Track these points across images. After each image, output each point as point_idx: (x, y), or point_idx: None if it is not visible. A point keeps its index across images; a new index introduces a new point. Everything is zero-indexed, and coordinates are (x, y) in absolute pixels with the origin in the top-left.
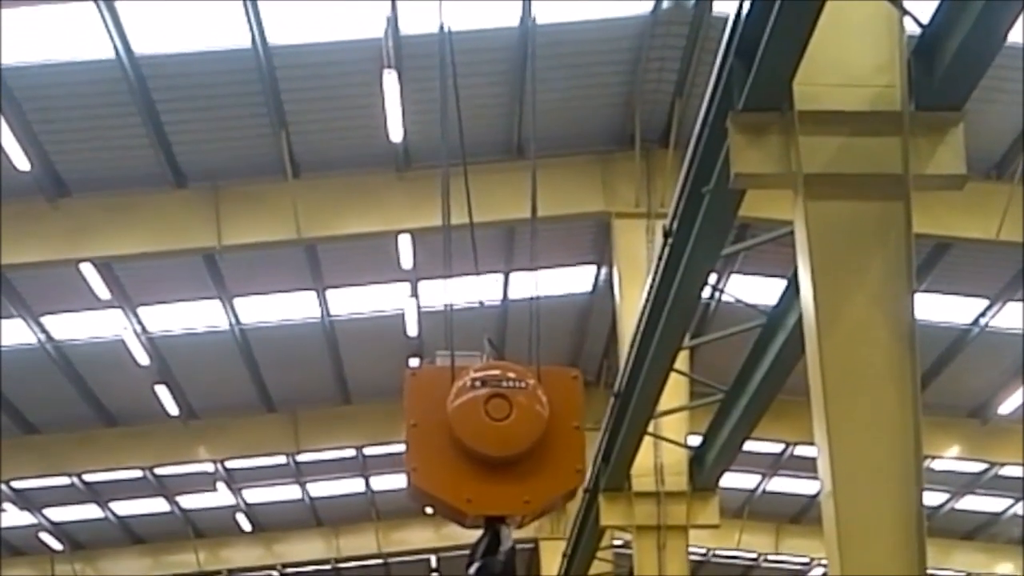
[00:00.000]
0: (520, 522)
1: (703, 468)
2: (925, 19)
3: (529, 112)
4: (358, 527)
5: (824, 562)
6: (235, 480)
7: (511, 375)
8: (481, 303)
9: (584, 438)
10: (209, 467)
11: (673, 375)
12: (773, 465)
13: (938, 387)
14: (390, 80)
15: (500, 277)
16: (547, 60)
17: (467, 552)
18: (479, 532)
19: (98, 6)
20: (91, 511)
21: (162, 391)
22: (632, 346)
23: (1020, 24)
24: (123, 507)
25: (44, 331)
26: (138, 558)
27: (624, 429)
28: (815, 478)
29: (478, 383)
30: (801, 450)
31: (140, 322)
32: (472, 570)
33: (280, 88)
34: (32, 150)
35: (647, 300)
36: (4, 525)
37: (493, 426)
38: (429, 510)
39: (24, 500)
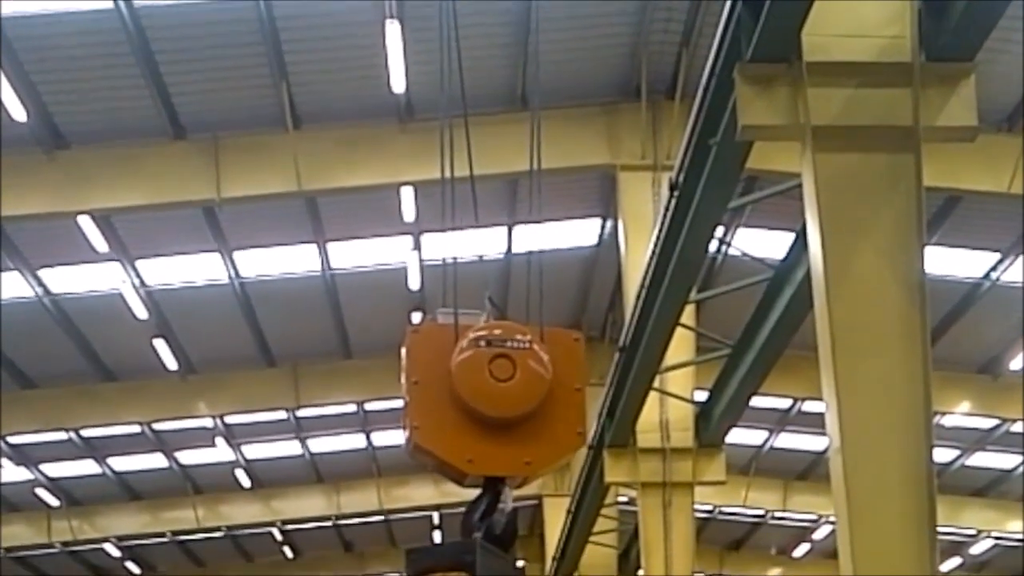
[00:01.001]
0: (520, 483)
1: (709, 424)
2: None
3: (533, 62)
4: (359, 483)
5: (832, 519)
6: (234, 435)
7: (515, 335)
8: (480, 257)
9: (585, 401)
10: (208, 422)
11: (679, 330)
12: (780, 421)
13: (948, 342)
14: (392, 30)
15: (503, 230)
16: (552, 9)
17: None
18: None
19: None
20: (88, 467)
21: (160, 345)
22: (637, 300)
23: None
24: (121, 463)
25: (41, 284)
26: (136, 514)
27: (629, 384)
28: (823, 434)
29: (483, 342)
30: (809, 406)
31: (138, 275)
32: (477, 532)
33: (281, 38)
34: (30, 101)
35: (653, 253)
36: (1, 481)
37: (497, 386)
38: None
39: (20, 455)
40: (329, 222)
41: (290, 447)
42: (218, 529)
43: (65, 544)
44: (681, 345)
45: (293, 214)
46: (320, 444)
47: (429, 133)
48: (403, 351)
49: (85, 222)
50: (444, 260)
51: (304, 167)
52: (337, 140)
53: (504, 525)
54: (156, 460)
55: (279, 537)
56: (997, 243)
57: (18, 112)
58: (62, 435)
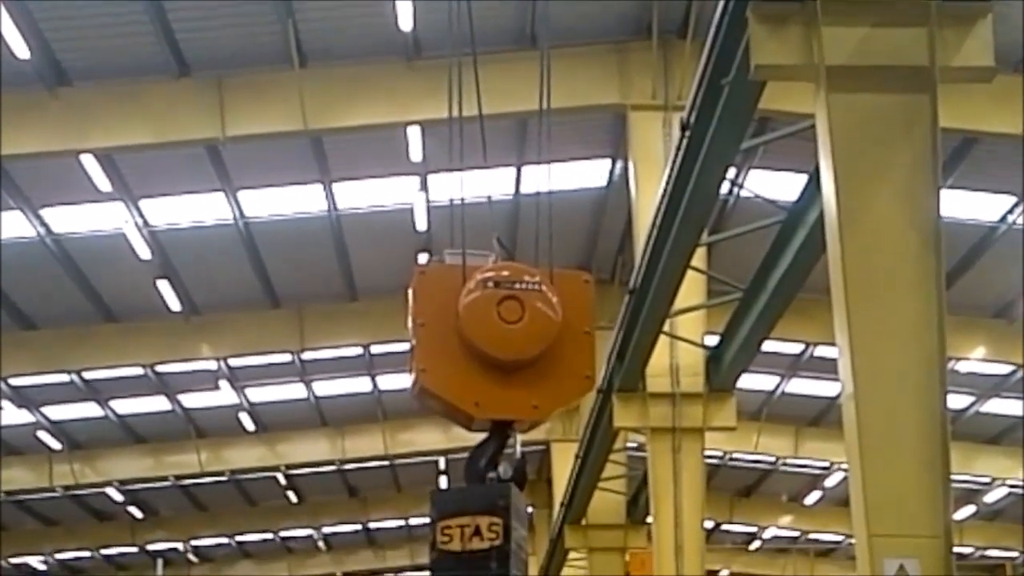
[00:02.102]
0: (527, 428)
1: (720, 369)
2: None
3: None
4: (364, 428)
5: (844, 466)
6: (238, 378)
7: (524, 277)
8: (488, 199)
9: (595, 344)
10: (211, 365)
11: (690, 273)
12: (792, 366)
13: (963, 286)
14: None
15: (512, 171)
16: None
17: None
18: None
19: None
20: (90, 409)
21: (164, 286)
22: (648, 242)
23: None
24: (123, 405)
25: (43, 224)
26: (138, 458)
27: (639, 328)
28: (836, 380)
29: (491, 284)
30: (821, 350)
31: (142, 215)
32: (487, 477)
33: None
34: (32, 37)
35: (663, 195)
36: (1, 423)
37: (505, 328)
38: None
39: (22, 398)
40: (335, 162)
41: (294, 390)
42: (221, 473)
43: (66, 488)
44: (692, 288)
45: (298, 153)
46: (325, 387)
47: (436, 71)
48: (409, 292)
49: (88, 160)
50: (452, 201)
51: (310, 105)
52: (343, 78)
53: (514, 470)
54: (159, 403)
55: (283, 482)
56: (1014, 186)
57: (20, 49)
58: (64, 377)
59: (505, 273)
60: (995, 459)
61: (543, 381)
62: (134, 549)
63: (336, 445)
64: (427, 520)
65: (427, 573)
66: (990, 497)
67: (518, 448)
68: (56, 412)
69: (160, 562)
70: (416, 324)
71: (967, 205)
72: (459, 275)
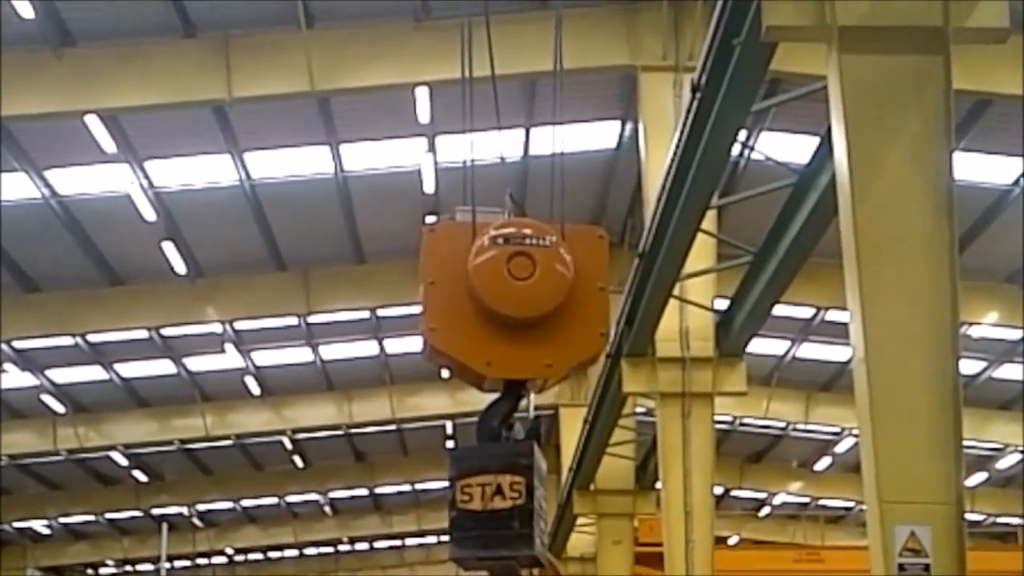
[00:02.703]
0: (541, 387)
1: (730, 333)
2: None
3: None
4: (371, 392)
5: (855, 432)
6: (244, 342)
7: (535, 233)
8: (501, 159)
9: (608, 300)
10: (217, 328)
11: (700, 236)
12: (803, 330)
13: (976, 250)
14: None
15: (521, 132)
16: None
17: None
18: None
19: None
20: (95, 372)
21: (169, 248)
22: (658, 205)
23: None
24: (128, 369)
25: (48, 185)
26: (143, 421)
27: (648, 291)
28: (847, 344)
29: (500, 240)
30: (833, 315)
31: (147, 177)
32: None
33: None
34: None
35: (674, 157)
36: (5, 386)
37: (516, 286)
38: (445, 374)
39: (26, 361)
40: (342, 123)
41: (301, 354)
42: (227, 437)
43: (71, 452)
44: (702, 252)
45: (305, 115)
46: (331, 351)
47: (445, 32)
48: (419, 251)
49: (92, 122)
50: (464, 163)
51: (317, 66)
52: (351, 39)
53: (528, 430)
54: (164, 366)
55: (289, 446)
56: None
57: (25, 9)
58: (68, 340)
59: (516, 229)
60: (1007, 425)
61: (556, 339)
62: (138, 513)
63: (343, 409)
64: (439, 483)
65: (436, 537)
66: (1002, 464)
67: (531, 409)
68: (60, 375)
69: (165, 527)
70: (426, 282)
71: (980, 168)
72: (469, 232)
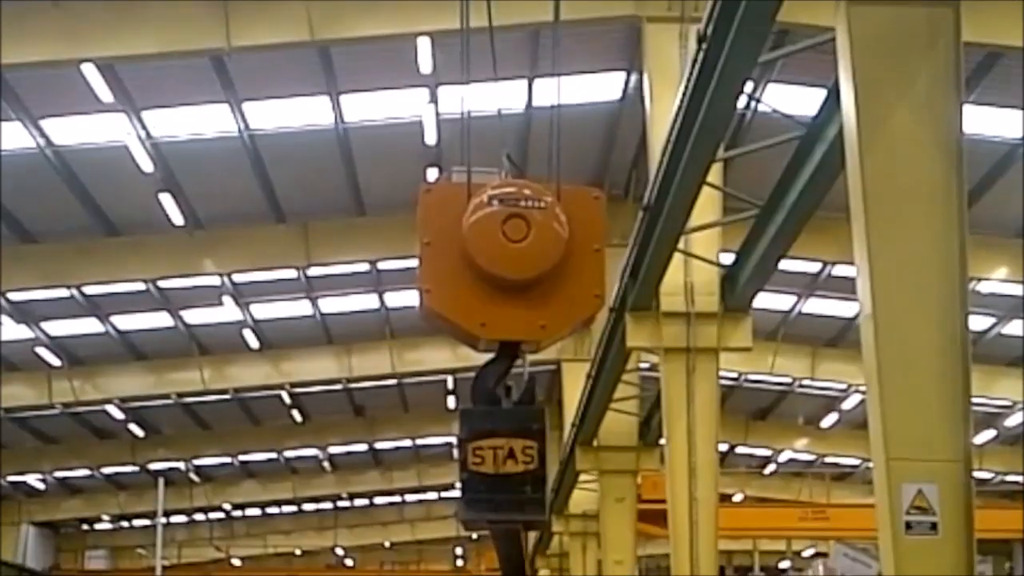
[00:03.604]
0: (536, 348)
1: (736, 288)
2: None
3: None
4: (371, 346)
5: (862, 388)
6: (242, 294)
7: (530, 193)
8: (499, 112)
9: (605, 262)
10: (215, 280)
11: (705, 189)
12: (810, 285)
13: (985, 205)
14: None
15: (524, 84)
16: None
17: None
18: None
19: None
20: (91, 325)
21: (167, 200)
22: (663, 157)
23: None
24: (124, 321)
25: (43, 135)
26: (139, 375)
27: (653, 245)
28: (854, 299)
29: (495, 201)
30: (840, 269)
31: (144, 127)
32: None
33: None
34: None
35: (679, 109)
36: (0, 339)
37: (510, 247)
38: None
39: (21, 313)
40: (342, 73)
41: (300, 307)
42: (225, 392)
43: (66, 405)
44: (707, 205)
45: (305, 64)
46: (331, 304)
47: None
48: (416, 212)
49: (89, 71)
50: (462, 114)
51: (317, 15)
52: None
53: (524, 392)
54: (161, 319)
55: (287, 400)
56: None
57: None
58: (64, 292)
59: (510, 190)
60: (1016, 382)
61: (551, 300)
62: (135, 468)
63: (342, 363)
64: (440, 438)
65: (437, 493)
66: (1011, 421)
67: (526, 369)
68: (56, 328)
69: (161, 481)
70: (421, 243)
71: (990, 121)
72: (465, 193)
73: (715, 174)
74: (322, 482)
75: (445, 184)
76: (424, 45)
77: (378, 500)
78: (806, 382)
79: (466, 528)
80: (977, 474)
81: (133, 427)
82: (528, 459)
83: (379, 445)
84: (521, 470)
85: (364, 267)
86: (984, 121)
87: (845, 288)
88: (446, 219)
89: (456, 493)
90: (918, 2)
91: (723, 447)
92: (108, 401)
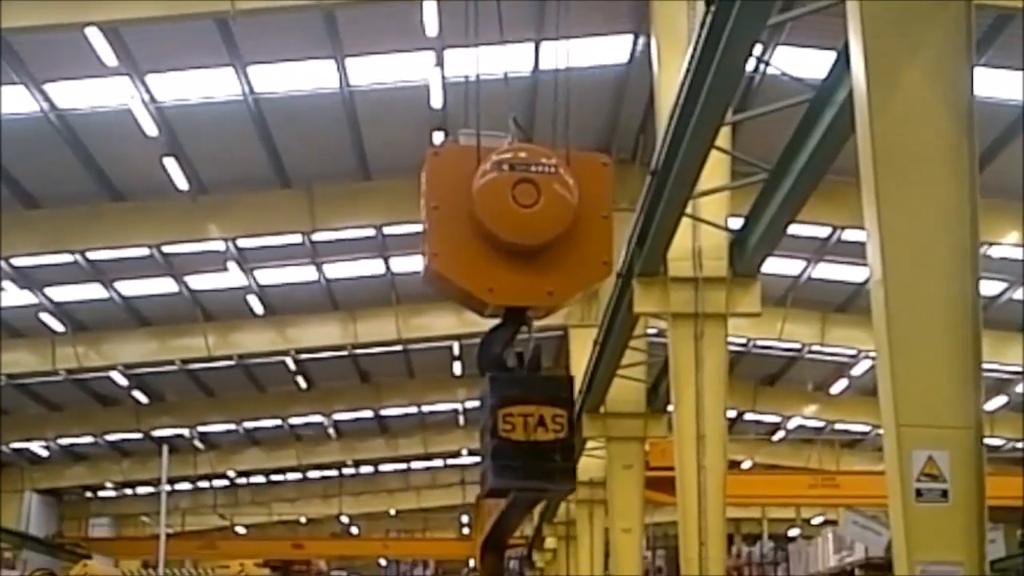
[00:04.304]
0: (543, 314)
1: (744, 252)
2: None
3: None
4: (377, 311)
5: (872, 354)
6: (247, 260)
7: (540, 159)
8: (505, 76)
9: (612, 229)
10: (220, 245)
11: (713, 153)
12: (819, 250)
13: (997, 169)
14: None
15: (530, 47)
16: None
17: None
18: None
19: None
20: (95, 291)
21: (171, 164)
22: (671, 121)
23: None
24: (128, 287)
25: (47, 99)
26: (144, 341)
27: (661, 209)
28: (864, 264)
29: (505, 166)
30: (849, 234)
31: (148, 91)
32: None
33: None
34: None
35: (687, 72)
36: (3, 305)
37: (520, 212)
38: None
39: (24, 278)
40: (348, 36)
41: (305, 273)
42: (229, 358)
43: (70, 371)
44: (715, 169)
45: (310, 27)
46: (336, 270)
47: None
48: (423, 175)
49: (93, 34)
50: (467, 78)
51: None
52: None
53: (530, 359)
54: (165, 285)
55: (292, 367)
56: None
57: None
58: (67, 257)
59: (520, 155)
60: None
61: (559, 267)
62: (139, 435)
63: (347, 329)
64: (445, 405)
65: (443, 460)
66: (1022, 387)
67: (532, 335)
68: (59, 293)
69: (165, 448)
70: (429, 207)
71: (1001, 84)
72: (473, 157)
73: (723, 138)
74: (327, 449)
75: (453, 147)
76: (430, 7)
77: (383, 467)
78: (815, 348)
79: (492, 495)
80: (988, 441)
81: (137, 394)
82: (558, 427)
83: (384, 412)
84: (551, 438)
85: (370, 232)
86: (996, 84)
87: (855, 253)
88: (454, 183)
89: (465, 460)
90: None
91: (731, 414)
92: (112, 367)
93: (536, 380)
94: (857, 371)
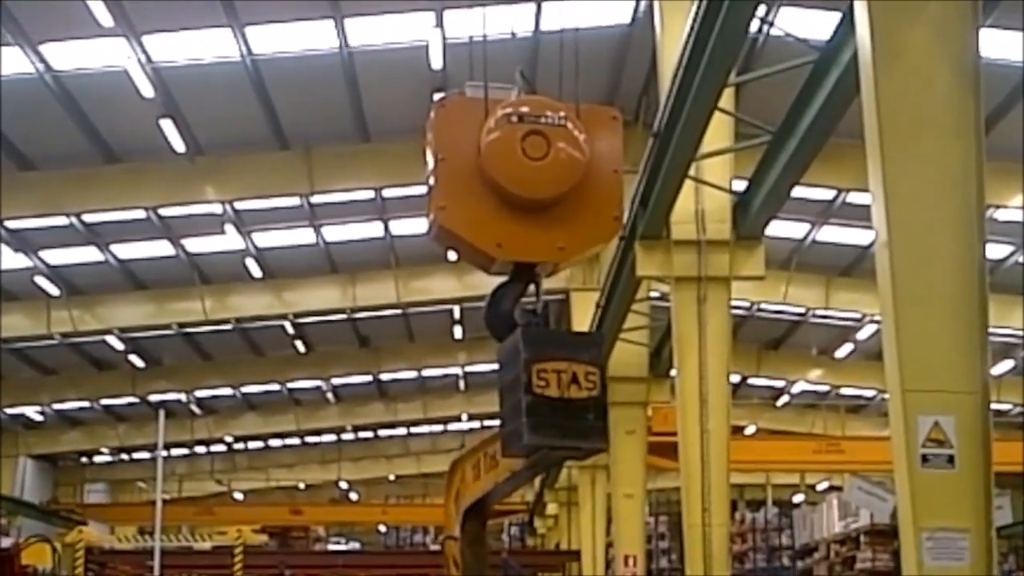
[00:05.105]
0: (551, 270)
1: (748, 215)
2: None
3: None
4: (376, 274)
5: (877, 318)
6: (244, 222)
7: (550, 111)
8: (514, 33)
9: (623, 183)
10: (217, 208)
11: (717, 114)
12: (824, 213)
13: (1003, 130)
14: None
15: (532, 6)
16: None
17: None
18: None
19: None
20: (90, 254)
21: (167, 126)
22: (673, 82)
23: None
24: (124, 250)
25: (43, 60)
26: (140, 304)
27: (663, 172)
28: (869, 227)
29: (515, 118)
30: (854, 197)
31: (145, 51)
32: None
33: None
34: None
35: (690, 32)
36: None
37: (529, 165)
38: (453, 256)
39: (19, 241)
40: None
41: (303, 235)
42: (226, 321)
43: (65, 336)
44: (719, 131)
45: None
46: (335, 232)
47: None
48: (428, 126)
49: None
50: (471, 38)
51: None
52: None
53: (539, 317)
54: (162, 247)
55: (291, 330)
56: None
57: None
58: (63, 220)
59: (530, 107)
60: None
61: (569, 222)
62: (135, 400)
63: (346, 293)
64: (446, 369)
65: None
66: None
67: (542, 293)
68: (55, 256)
69: (162, 413)
70: (435, 159)
71: (1008, 46)
72: (481, 108)
73: (727, 99)
74: (326, 414)
75: (460, 99)
76: None
77: (383, 433)
78: (820, 312)
79: (523, 453)
80: (994, 406)
81: (133, 358)
82: (591, 385)
83: (384, 376)
84: (584, 396)
85: (369, 194)
86: (1002, 45)
87: (860, 216)
88: (462, 135)
89: (465, 425)
90: None
91: (735, 378)
92: (108, 331)
93: (569, 336)
94: (862, 335)
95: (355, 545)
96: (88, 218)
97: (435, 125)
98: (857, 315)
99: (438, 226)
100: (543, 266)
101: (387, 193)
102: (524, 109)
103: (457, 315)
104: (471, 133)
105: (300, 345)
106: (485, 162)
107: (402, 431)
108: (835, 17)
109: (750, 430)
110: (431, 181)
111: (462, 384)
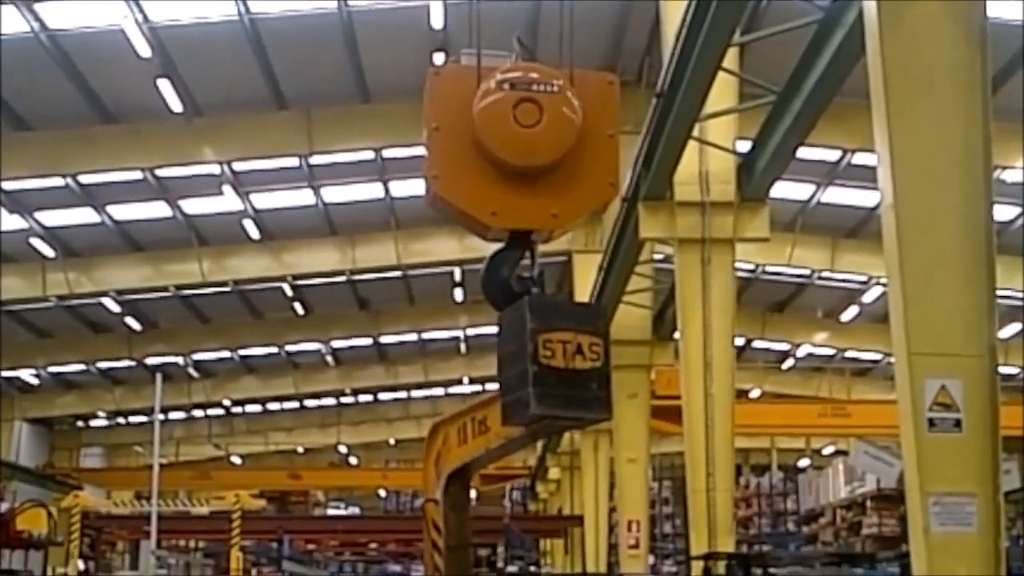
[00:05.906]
0: (547, 237)
1: (752, 176)
2: None
3: None
4: (376, 236)
5: (883, 281)
6: (243, 183)
7: (542, 77)
8: None
9: (618, 148)
10: (215, 169)
11: (721, 75)
12: (829, 174)
13: (1010, 90)
14: None
15: None
16: None
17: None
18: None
19: None
20: (86, 215)
21: (164, 85)
22: (677, 42)
23: None
24: (121, 211)
25: (38, 19)
26: (136, 266)
27: (667, 132)
28: (875, 188)
29: (507, 85)
30: (860, 157)
31: (142, 10)
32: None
33: None
34: None
35: None
36: None
37: (521, 132)
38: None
39: (14, 202)
40: None
41: (302, 196)
42: (224, 284)
43: (61, 298)
44: (723, 91)
45: None
46: (334, 193)
47: None
48: (424, 95)
49: None
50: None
51: None
52: None
53: (535, 284)
54: (159, 209)
55: (289, 293)
56: None
57: None
58: (59, 181)
59: (522, 74)
60: None
61: (564, 188)
62: (131, 363)
63: (346, 254)
64: (446, 332)
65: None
66: None
67: (535, 261)
68: (50, 218)
69: (159, 376)
70: (430, 128)
71: (1015, 5)
72: (475, 76)
73: (731, 59)
74: (325, 377)
75: (454, 67)
76: None
77: (383, 396)
78: (825, 274)
79: (526, 422)
80: (1002, 369)
81: (130, 320)
82: (595, 356)
83: (384, 339)
84: (589, 367)
85: (368, 155)
86: (1008, 5)
87: (866, 177)
88: (456, 103)
89: (466, 388)
90: None
91: (739, 341)
92: (104, 294)
93: (573, 307)
94: (868, 298)
95: (355, 510)
96: (84, 179)
97: (430, 93)
98: (863, 277)
99: (433, 195)
100: (539, 233)
101: (387, 154)
102: (516, 76)
103: (458, 277)
104: (465, 101)
105: (299, 308)
106: (477, 130)
107: (402, 394)
108: None
109: (755, 394)
110: (426, 150)
111: (463, 347)
